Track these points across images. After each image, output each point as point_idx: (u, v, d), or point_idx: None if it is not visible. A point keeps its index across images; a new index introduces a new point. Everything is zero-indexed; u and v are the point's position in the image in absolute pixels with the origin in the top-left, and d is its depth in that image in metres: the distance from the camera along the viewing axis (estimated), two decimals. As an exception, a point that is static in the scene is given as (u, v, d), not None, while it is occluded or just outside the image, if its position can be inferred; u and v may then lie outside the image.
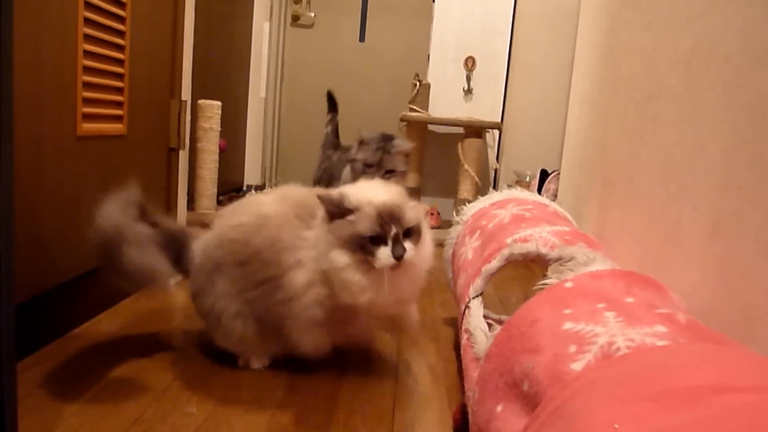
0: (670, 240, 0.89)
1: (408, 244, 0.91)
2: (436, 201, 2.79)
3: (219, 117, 2.23)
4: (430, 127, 2.72)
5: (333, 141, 2.04)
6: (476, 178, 2.55)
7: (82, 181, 1.15)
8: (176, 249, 1.06)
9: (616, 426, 0.41)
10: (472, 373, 0.76)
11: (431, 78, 2.75)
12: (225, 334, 1.01)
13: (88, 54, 1.13)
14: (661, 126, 0.97)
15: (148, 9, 1.38)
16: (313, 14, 3.28)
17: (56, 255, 1.09)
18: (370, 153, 1.57)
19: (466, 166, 2.55)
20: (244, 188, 3.05)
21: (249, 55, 3.09)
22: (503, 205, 1.18)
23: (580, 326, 0.60)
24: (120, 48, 1.25)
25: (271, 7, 3.19)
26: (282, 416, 0.90)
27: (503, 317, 1.19)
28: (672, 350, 0.52)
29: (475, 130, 2.58)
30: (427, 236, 1.00)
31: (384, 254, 0.89)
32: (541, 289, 0.73)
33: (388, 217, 0.90)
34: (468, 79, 2.75)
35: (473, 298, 0.93)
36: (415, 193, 2.61)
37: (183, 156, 1.63)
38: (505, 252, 0.94)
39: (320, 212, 0.96)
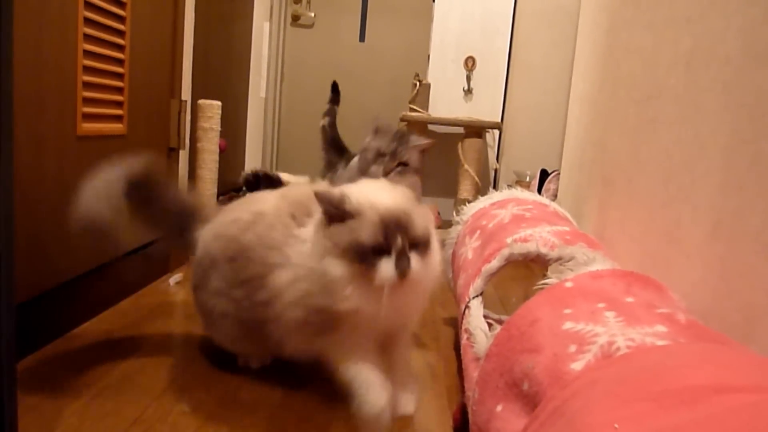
0: (670, 240, 0.89)
1: (414, 257, 0.80)
2: (436, 201, 2.79)
3: (219, 117, 2.23)
4: (430, 127, 2.72)
5: (333, 140, 1.89)
6: (476, 178, 2.55)
7: (82, 180, 1.15)
8: (181, 221, 1.05)
9: (616, 426, 0.41)
10: (472, 372, 0.76)
11: (431, 78, 2.75)
12: (218, 331, 1.00)
13: (88, 54, 1.13)
14: (661, 126, 0.97)
15: (148, 9, 1.38)
16: (313, 14, 3.28)
17: (56, 255, 1.09)
18: (385, 142, 1.44)
19: (466, 166, 2.55)
20: (244, 188, 3.05)
21: (249, 55, 3.09)
22: (503, 205, 1.18)
23: (580, 326, 0.60)
24: (120, 48, 1.25)
25: (271, 7, 3.19)
26: (282, 416, 0.90)
27: (503, 317, 1.19)
28: (672, 350, 0.52)
29: (475, 130, 2.58)
30: (436, 246, 0.89)
31: (386, 268, 0.79)
32: (541, 288, 0.73)
33: (393, 225, 0.80)
34: (468, 79, 2.75)
35: (473, 297, 0.93)
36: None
37: (183, 156, 1.63)
38: (505, 252, 0.94)
39: (318, 212, 0.87)
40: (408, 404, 0.93)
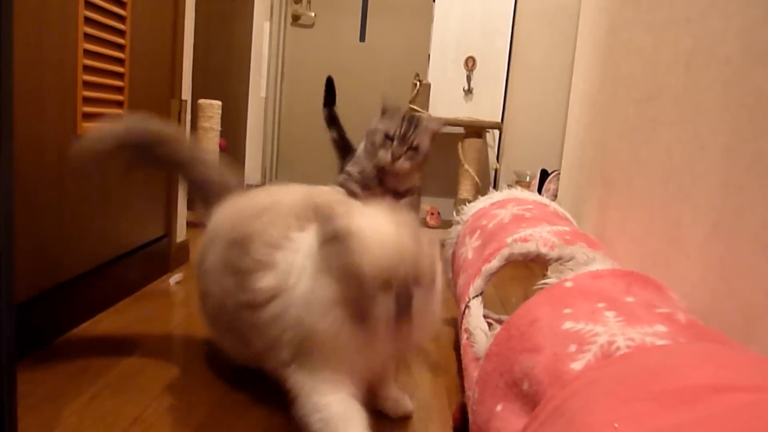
0: (670, 240, 0.89)
1: (416, 302, 0.71)
2: (436, 201, 2.79)
3: (219, 116, 2.23)
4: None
5: (347, 149, 1.60)
6: (476, 178, 2.55)
7: (82, 180, 1.15)
8: (207, 192, 1.06)
9: (616, 425, 0.41)
10: (472, 372, 0.76)
11: (431, 78, 2.75)
12: (206, 315, 0.95)
13: (89, 53, 1.13)
14: (661, 126, 0.97)
15: (149, 8, 1.38)
16: (313, 14, 3.28)
17: (56, 254, 1.09)
18: (393, 124, 1.33)
19: (466, 166, 2.55)
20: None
21: (249, 54, 3.09)
22: (503, 204, 1.18)
23: (580, 326, 0.60)
24: (120, 47, 1.25)
25: (272, 7, 3.19)
26: (283, 415, 0.90)
27: (503, 317, 1.19)
28: (672, 350, 0.52)
29: (476, 130, 2.58)
30: (440, 285, 0.80)
31: (383, 313, 0.69)
32: (541, 288, 0.73)
33: (396, 273, 0.70)
34: (468, 79, 2.75)
35: (473, 297, 0.93)
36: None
37: (183, 155, 1.63)
38: (505, 252, 0.94)
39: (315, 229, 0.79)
40: (406, 404, 0.93)
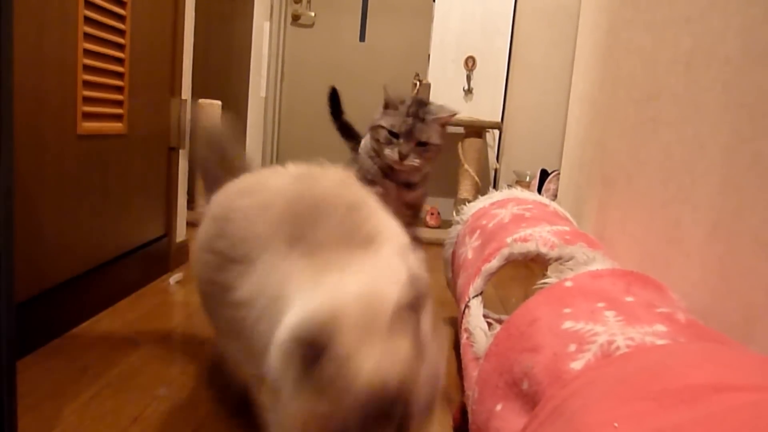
0: (670, 240, 0.89)
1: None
2: (436, 201, 2.80)
3: (219, 116, 2.23)
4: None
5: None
6: (476, 178, 2.55)
7: (82, 179, 1.15)
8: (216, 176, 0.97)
9: (616, 425, 0.41)
10: (472, 372, 0.76)
11: (431, 78, 2.75)
12: (198, 290, 0.82)
13: (89, 53, 1.13)
14: (661, 126, 0.97)
15: (149, 8, 1.38)
16: (313, 14, 3.28)
17: (56, 254, 1.09)
18: (398, 119, 1.20)
19: (466, 166, 2.55)
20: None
21: (249, 54, 3.09)
22: (503, 204, 1.18)
23: (579, 325, 0.60)
24: (120, 47, 1.25)
25: (272, 7, 3.19)
26: (282, 415, 0.90)
27: (503, 317, 1.19)
28: (672, 349, 0.52)
29: (476, 130, 2.58)
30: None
31: None
32: (541, 288, 0.73)
33: (384, 408, 0.51)
34: (468, 78, 2.75)
35: (473, 297, 0.93)
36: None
37: (183, 155, 1.63)
38: (505, 251, 0.94)
39: (319, 235, 0.63)
40: None
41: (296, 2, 3.28)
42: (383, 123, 1.22)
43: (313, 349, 0.50)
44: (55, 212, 1.07)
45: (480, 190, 2.45)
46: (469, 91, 2.76)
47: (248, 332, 0.63)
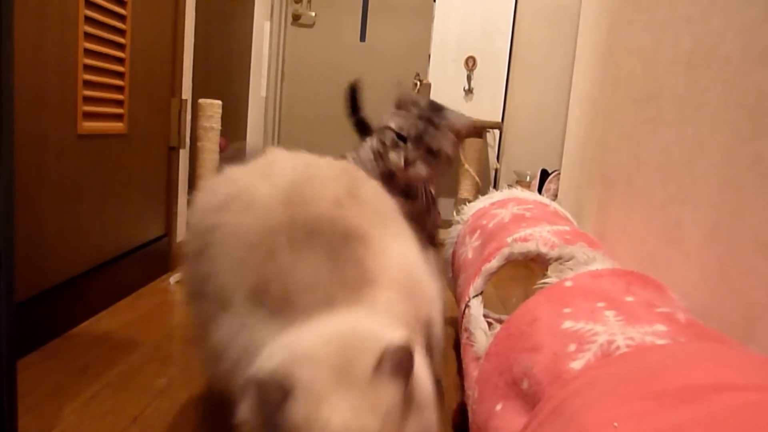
0: (670, 240, 0.89)
1: None
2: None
3: (219, 116, 2.23)
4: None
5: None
6: (476, 178, 2.55)
7: (82, 179, 1.15)
8: None
9: (616, 424, 0.41)
10: (472, 372, 0.76)
11: (432, 78, 2.75)
12: None
13: (89, 52, 1.13)
14: (661, 126, 0.97)
15: (149, 7, 1.38)
16: (313, 14, 3.28)
17: (56, 253, 1.09)
18: (408, 121, 1.06)
19: (466, 166, 2.55)
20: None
21: (249, 54, 3.09)
22: (503, 204, 1.18)
23: (579, 325, 0.60)
24: (121, 46, 1.25)
25: (272, 7, 3.19)
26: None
27: (503, 317, 1.19)
28: (672, 349, 0.52)
29: (476, 130, 2.58)
30: None
31: None
32: (541, 288, 0.73)
33: None
34: (468, 78, 2.75)
35: (473, 297, 0.93)
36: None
37: (183, 155, 1.63)
38: (506, 251, 0.94)
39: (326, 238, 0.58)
40: None
41: (297, 2, 3.28)
42: (391, 124, 1.08)
43: (275, 395, 0.45)
44: (55, 212, 1.07)
45: (480, 190, 2.45)
46: (469, 91, 2.76)
47: (224, 375, 0.57)
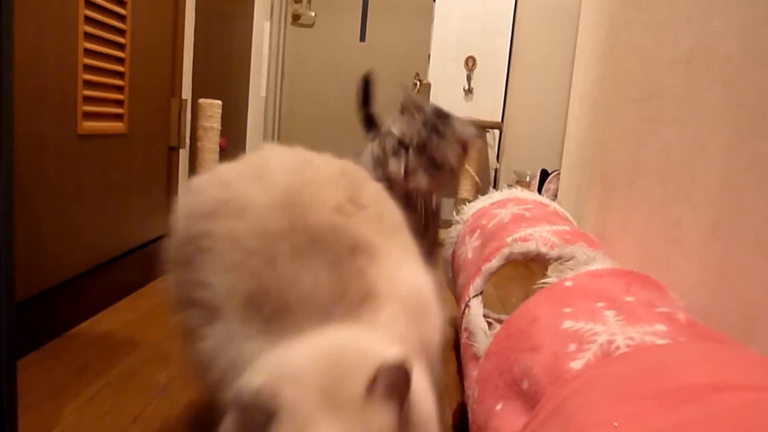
0: (670, 240, 0.89)
1: None
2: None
3: (219, 116, 2.23)
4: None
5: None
6: (476, 178, 2.55)
7: (82, 179, 1.15)
8: None
9: (616, 424, 0.41)
10: (472, 371, 0.76)
11: (432, 77, 2.75)
12: None
13: (89, 52, 1.13)
14: (661, 125, 0.97)
15: (149, 7, 1.38)
16: (313, 14, 3.28)
17: (56, 253, 1.09)
18: (412, 127, 0.99)
19: (466, 166, 2.55)
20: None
21: (249, 54, 3.09)
22: (503, 204, 1.18)
23: (579, 325, 0.60)
24: (120, 46, 1.25)
25: (272, 7, 3.19)
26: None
27: (503, 316, 1.19)
28: (672, 349, 0.52)
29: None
30: None
31: None
32: (541, 288, 0.73)
33: None
34: (468, 78, 2.75)
35: (473, 297, 0.93)
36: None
37: (183, 155, 1.63)
38: (505, 251, 0.94)
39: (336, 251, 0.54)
40: None
41: (296, 2, 3.28)
42: (393, 129, 1.01)
43: (259, 415, 0.42)
44: (55, 212, 1.07)
45: (480, 190, 2.45)
46: (469, 91, 2.76)
47: (213, 386, 0.54)
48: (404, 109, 1.04)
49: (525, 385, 0.60)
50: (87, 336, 1.13)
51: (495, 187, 2.78)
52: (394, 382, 0.44)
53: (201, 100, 2.15)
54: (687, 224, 0.84)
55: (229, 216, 0.57)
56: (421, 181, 1.00)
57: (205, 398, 0.62)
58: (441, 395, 0.50)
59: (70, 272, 1.14)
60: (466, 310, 0.92)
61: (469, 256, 1.09)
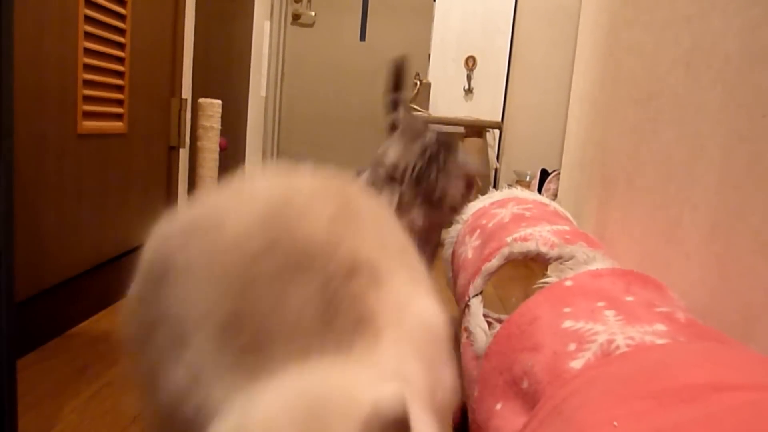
0: (670, 239, 0.89)
1: None
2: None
3: (219, 115, 2.23)
4: (431, 126, 2.72)
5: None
6: (476, 178, 2.55)
7: (82, 179, 1.15)
8: None
9: (615, 423, 0.41)
10: (472, 371, 0.76)
11: (432, 77, 2.75)
12: None
13: (89, 52, 1.13)
14: (661, 125, 0.97)
15: (149, 7, 1.38)
16: (313, 13, 3.28)
17: (56, 253, 1.09)
18: (409, 155, 0.85)
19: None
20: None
21: (249, 53, 3.09)
22: (503, 204, 1.18)
23: (579, 324, 0.60)
24: (120, 46, 1.25)
25: (272, 6, 3.19)
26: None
27: (503, 316, 1.19)
28: (671, 348, 0.52)
29: (476, 130, 2.58)
30: None
31: None
32: (541, 287, 0.73)
33: None
34: (468, 78, 2.75)
35: (473, 296, 0.93)
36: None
37: (183, 154, 1.63)
38: (505, 251, 0.94)
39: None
40: None
41: (296, 2, 3.28)
42: (390, 155, 0.86)
43: None
44: (55, 212, 1.07)
45: (480, 190, 2.45)
46: (469, 91, 2.76)
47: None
48: (405, 130, 0.90)
49: (525, 384, 0.60)
50: (87, 336, 1.13)
51: (495, 186, 2.78)
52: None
53: (201, 100, 2.15)
54: (687, 224, 0.84)
55: (204, 233, 0.49)
56: (415, 218, 0.86)
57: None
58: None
59: (70, 272, 1.14)
60: (466, 310, 0.92)
61: (469, 255, 1.09)
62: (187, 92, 1.65)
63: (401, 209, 0.84)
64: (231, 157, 2.88)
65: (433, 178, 0.85)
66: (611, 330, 0.57)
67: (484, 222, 1.15)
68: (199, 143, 2.20)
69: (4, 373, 0.63)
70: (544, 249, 0.90)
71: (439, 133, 0.92)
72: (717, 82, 0.79)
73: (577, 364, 0.55)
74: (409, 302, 0.47)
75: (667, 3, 0.99)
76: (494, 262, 0.94)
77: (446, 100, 2.76)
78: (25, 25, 0.94)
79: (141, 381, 0.51)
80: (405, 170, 0.84)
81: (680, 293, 0.73)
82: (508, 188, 1.30)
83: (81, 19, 1.09)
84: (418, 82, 2.63)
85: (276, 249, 0.45)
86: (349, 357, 0.41)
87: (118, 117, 1.27)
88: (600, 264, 0.76)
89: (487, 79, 2.75)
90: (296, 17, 3.29)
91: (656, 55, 1.03)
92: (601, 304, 0.63)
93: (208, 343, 0.43)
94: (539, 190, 2.33)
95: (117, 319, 1.23)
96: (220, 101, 2.22)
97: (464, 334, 0.88)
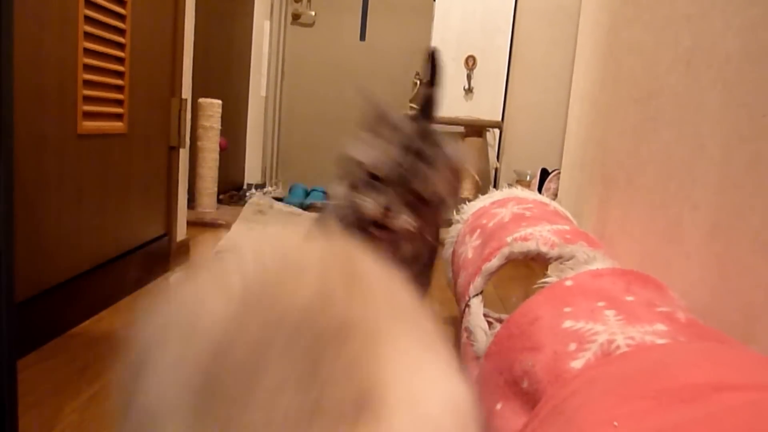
0: (670, 239, 0.89)
1: None
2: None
3: (219, 115, 2.23)
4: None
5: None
6: (477, 177, 2.55)
7: (82, 179, 1.15)
8: None
9: (615, 423, 0.41)
10: (472, 371, 0.76)
11: (432, 77, 2.75)
12: None
13: (89, 52, 1.13)
14: (661, 125, 0.97)
15: (149, 7, 1.38)
16: (313, 13, 3.28)
17: (56, 253, 1.09)
18: (387, 152, 0.75)
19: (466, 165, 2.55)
20: (245, 187, 3.06)
21: (249, 53, 3.09)
22: (503, 203, 1.18)
23: (580, 324, 0.60)
24: (120, 46, 1.25)
25: (272, 6, 3.19)
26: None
27: (503, 316, 1.19)
28: (672, 348, 0.52)
29: (476, 129, 2.58)
30: None
31: None
32: (542, 287, 0.73)
33: None
34: (468, 78, 2.75)
35: (473, 296, 0.93)
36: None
37: (183, 154, 1.63)
38: (506, 250, 0.94)
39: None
40: None
41: (296, 1, 3.28)
42: (360, 157, 0.75)
43: None
44: (55, 212, 1.07)
45: (480, 189, 2.46)
46: (469, 90, 2.76)
47: None
48: (378, 122, 0.79)
49: (525, 384, 0.60)
50: (87, 336, 1.13)
51: (495, 186, 2.78)
52: None
53: (201, 100, 2.15)
54: (687, 224, 0.84)
55: (177, 327, 0.44)
56: (406, 221, 0.75)
57: None
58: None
59: (70, 272, 1.14)
60: (467, 310, 0.92)
61: (469, 255, 1.09)
62: (187, 92, 1.65)
63: (388, 214, 0.74)
64: (231, 157, 2.88)
65: (420, 176, 0.75)
66: (611, 330, 0.57)
67: (484, 221, 1.15)
68: (199, 143, 2.20)
69: (4, 373, 0.63)
70: (544, 249, 0.90)
71: (418, 122, 0.83)
72: (717, 82, 0.79)
73: (577, 363, 0.55)
74: (418, 370, 0.39)
75: (668, 2, 0.99)
76: (494, 261, 0.95)
77: (446, 100, 2.75)
78: (25, 25, 0.94)
79: None
80: (390, 169, 0.74)
81: (680, 293, 0.73)
82: (509, 188, 1.30)
83: (81, 19, 1.09)
84: (419, 82, 2.63)
85: (245, 330, 0.37)
86: None
87: (118, 117, 1.27)
88: (600, 264, 0.76)
89: (487, 78, 2.75)
90: (296, 17, 3.29)
91: (656, 54, 1.03)
92: (601, 303, 0.63)
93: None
94: (539, 190, 2.33)
95: (117, 319, 1.23)
96: (220, 101, 2.22)
97: (464, 334, 0.88)
